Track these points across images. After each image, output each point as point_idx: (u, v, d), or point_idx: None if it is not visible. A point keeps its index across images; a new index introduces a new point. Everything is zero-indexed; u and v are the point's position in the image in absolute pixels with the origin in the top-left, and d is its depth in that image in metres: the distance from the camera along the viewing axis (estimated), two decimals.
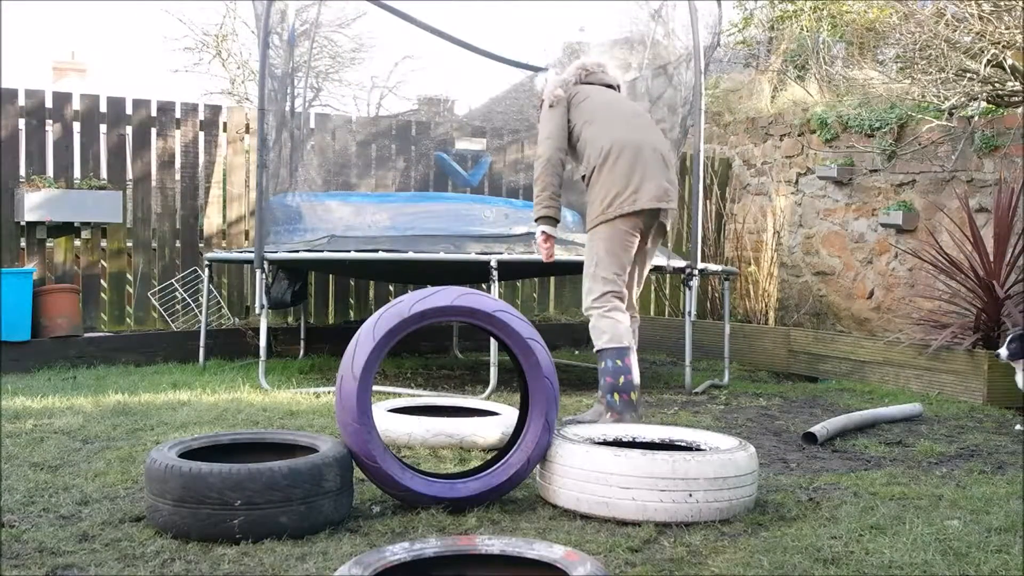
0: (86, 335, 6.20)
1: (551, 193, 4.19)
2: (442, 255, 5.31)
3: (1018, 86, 5.83)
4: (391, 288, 7.55)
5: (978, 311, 5.35)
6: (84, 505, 2.86)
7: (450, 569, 2.11)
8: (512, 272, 6.34)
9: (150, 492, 2.61)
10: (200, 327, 6.26)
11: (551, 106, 4.27)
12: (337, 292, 7.45)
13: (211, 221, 7.00)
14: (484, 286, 5.38)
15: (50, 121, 6.48)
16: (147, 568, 2.34)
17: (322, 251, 5.48)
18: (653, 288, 8.33)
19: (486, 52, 6.81)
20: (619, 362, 4.02)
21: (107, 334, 6.43)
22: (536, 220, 4.25)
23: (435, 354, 7.19)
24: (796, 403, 5.15)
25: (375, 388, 3.78)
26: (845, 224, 7.21)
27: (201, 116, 6.98)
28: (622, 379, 4.01)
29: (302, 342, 6.78)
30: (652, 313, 8.25)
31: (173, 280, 6.74)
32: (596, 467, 2.80)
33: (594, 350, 4.13)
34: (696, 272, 5.52)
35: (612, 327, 4.06)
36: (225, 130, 7.03)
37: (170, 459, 2.60)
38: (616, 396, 4.00)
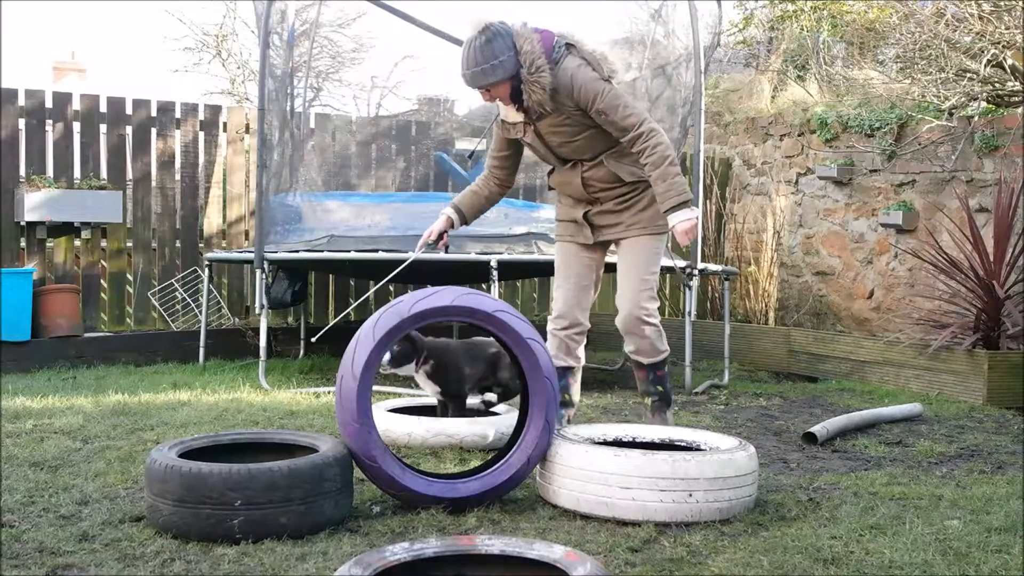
0: (86, 335, 6.20)
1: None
2: (442, 255, 5.31)
3: (1018, 86, 5.83)
4: (391, 288, 7.55)
5: (978, 311, 5.35)
6: (84, 505, 2.86)
7: (450, 569, 2.11)
8: (512, 272, 6.34)
9: (150, 492, 2.61)
10: (200, 327, 6.26)
11: (608, 79, 3.57)
12: (337, 292, 7.44)
13: (211, 221, 7.00)
14: (484, 286, 5.38)
15: (50, 121, 6.48)
16: (147, 568, 2.34)
17: (322, 251, 5.48)
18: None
19: None
20: None
21: (107, 334, 6.43)
22: (685, 204, 3.58)
23: None
24: (796, 403, 5.15)
25: (375, 388, 3.78)
26: (845, 224, 7.21)
27: (201, 116, 6.98)
28: None
29: (302, 342, 6.78)
30: None
31: (173, 280, 6.74)
32: (596, 467, 2.80)
33: (659, 359, 3.80)
34: (696, 272, 5.52)
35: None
36: (225, 130, 7.04)
37: (170, 459, 2.60)
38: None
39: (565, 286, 3.89)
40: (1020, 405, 4.95)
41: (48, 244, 6.36)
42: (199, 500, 2.50)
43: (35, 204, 6.09)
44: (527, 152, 3.90)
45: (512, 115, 3.61)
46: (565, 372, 3.88)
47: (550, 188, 3.96)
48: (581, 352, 3.93)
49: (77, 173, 6.51)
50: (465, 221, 3.89)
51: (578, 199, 3.81)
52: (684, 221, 3.57)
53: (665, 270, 5.74)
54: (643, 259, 3.75)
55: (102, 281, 6.64)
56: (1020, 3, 5.63)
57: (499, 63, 3.40)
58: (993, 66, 5.83)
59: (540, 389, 2.94)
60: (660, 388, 3.88)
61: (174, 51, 24.01)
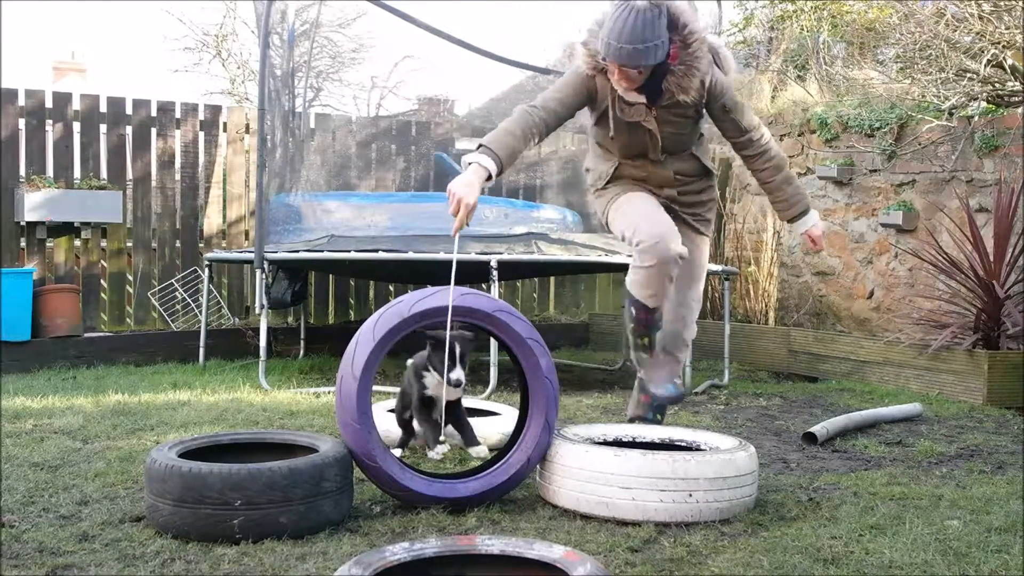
0: (86, 335, 6.20)
1: None
2: (442, 255, 5.32)
3: (1018, 86, 5.83)
4: (391, 288, 7.55)
5: (978, 311, 5.35)
6: (84, 505, 2.86)
7: (450, 569, 2.11)
8: (512, 272, 6.35)
9: (150, 492, 2.61)
10: (200, 327, 6.26)
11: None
12: (337, 292, 7.45)
13: (211, 221, 7.00)
14: (484, 286, 5.38)
15: (50, 121, 6.49)
16: (147, 568, 2.34)
17: (322, 251, 5.48)
18: None
19: (486, 52, 6.81)
20: None
21: (107, 334, 6.43)
22: (810, 209, 3.49)
23: None
24: (796, 403, 5.15)
25: (375, 388, 3.78)
26: (845, 224, 7.21)
27: (201, 116, 6.98)
28: None
29: (302, 342, 6.78)
30: None
31: (173, 280, 6.75)
32: (596, 467, 2.80)
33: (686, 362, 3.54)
34: None
35: None
36: (225, 130, 7.04)
37: (170, 459, 2.60)
38: None
39: (647, 207, 3.32)
40: (1020, 405, 4.95)
41: (48, 244, 6.36)
42: (199, 500, 2.50)
43: (35, 204, 6.10)
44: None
45: (633, 96, 3.19)
46: (655, 310, 3.38)
47: (608, 182, 3.43)
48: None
49: (77, 173, 6.51)
50: (502, 169, 3.08)
51: (660, 186, 3.45)
52: (816, 225, 3.47)
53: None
54: (702, 261, 3.52)
55: (102, 281, 6.65)
56: (1020, 3, 5.63)
57: (662, 43, 3.03)
58: (993, 66, 5.82)
59: (540, 389, 2.94)
60: (660, 418, 3.60)
61: (174, 51, 23.99)
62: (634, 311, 3.37)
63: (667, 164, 3.37)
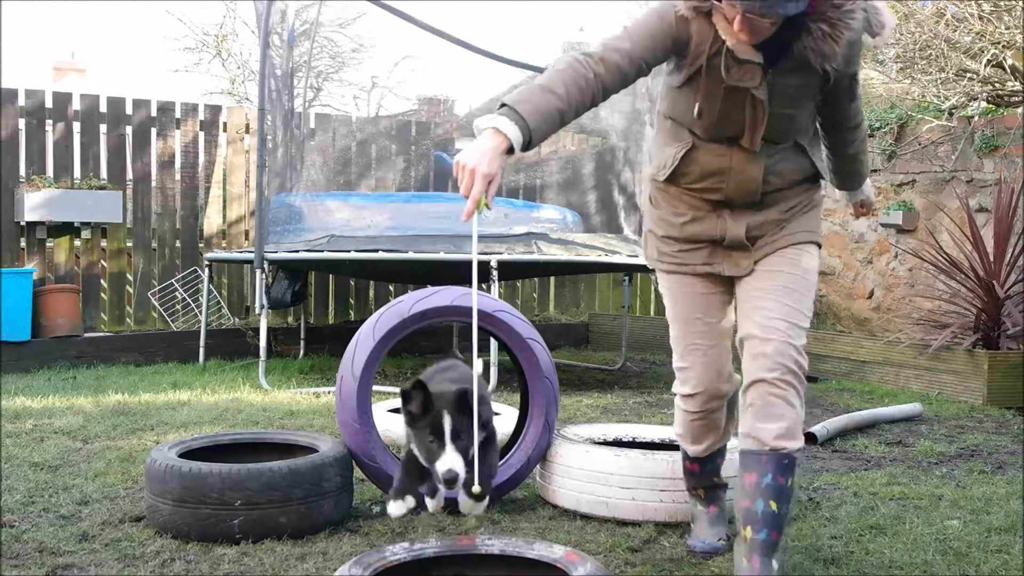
0: (86, 335, 6.20)
1: None
2: (442, 255, 5.31)
3: (1018, 86, 5.84)
4: (391, 288, 7.55)
5: (978, 311, 5.35)
6: (84, 505, 2.86)
7: (450, 569, 2.11)
8: (512, 272, 6.34)
9: (150, 492, 2.61)
10: (200, 327, 6.26)
11: None
12: (337, 292, 7.44)
13: (211, 221, 7.00)
14: (484, 286, 5.38)
15: (50, 121, 6.49)
16: (147, 568, 2.34)
17: (322, 251, 5.49)
18: (653, 288, 8.33)
19: (486, 52, 6.80)
20: None
21: (107, 334, 6.43)
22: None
23: (435, 354, 7.18)
24: None
25: (375, 388, 3.78)
26: (845, 224, 7.21)
27: (201, 116, 6.98)
28: None
29: (302, 342, 6.78)
30: (652, 313, 8.25)
31: (173, 280, 6.74)
32: (596, 467, 2.80)
33: (799, 444, 2.31)
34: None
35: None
36: (225, 130, 7.04)
37: (170, 459, 2.60)
38: None
39: (702, 344, 2.48)
40: (1020, 405, 4.95)
41: (48, 244, 6.36)
42: (199, 500, 2.50)
43: (35, 204, 6.09)
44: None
45: (747, 51, 2.23)
46: (716, 455, 2.66)
47: (667, 180, 2.43)
48: (734, 420, 2.55)
49: (77, 173, 6.51)
50: (530, 142, 2.12)
51: (724, 202, 2.40)
52: (871, 191, 2.76)
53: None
54: (811, 277, 2.43)
55: (102, 281, 6.64)
56: (1020, 3, 5.63)
57: None
58: (993, 66, 5.82)
59: (540, 389, 2.94)
60: (775, 507, 2.26)
61: (174, 51, 23.96)
62: (681, 459, 2.69)
63: (760, 157, 2.36)
